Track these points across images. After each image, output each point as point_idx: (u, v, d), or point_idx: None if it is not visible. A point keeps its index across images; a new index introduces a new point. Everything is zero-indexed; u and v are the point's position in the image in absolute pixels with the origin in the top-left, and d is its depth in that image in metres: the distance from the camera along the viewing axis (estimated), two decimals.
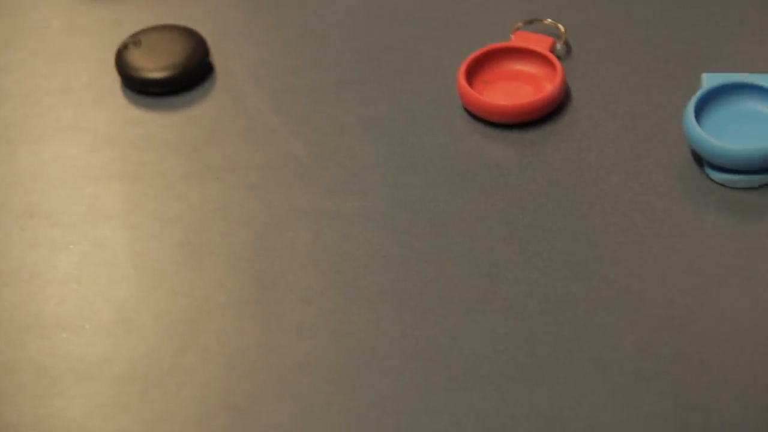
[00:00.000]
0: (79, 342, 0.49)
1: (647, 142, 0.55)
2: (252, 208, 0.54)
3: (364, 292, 0.50)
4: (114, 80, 0.59)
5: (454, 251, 0.51)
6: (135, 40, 0.59)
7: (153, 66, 0.58)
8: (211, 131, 0.57)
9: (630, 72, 0.58)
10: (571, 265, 0.51)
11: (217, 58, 0.60)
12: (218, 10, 0.63)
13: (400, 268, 0.51)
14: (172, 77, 0.58)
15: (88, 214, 0.54)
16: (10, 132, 0.57)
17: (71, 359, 0.49)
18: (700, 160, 0.54)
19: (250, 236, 0.53)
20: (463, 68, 0.57)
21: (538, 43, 0.58)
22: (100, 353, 0.49)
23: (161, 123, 0.58)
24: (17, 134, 0.57)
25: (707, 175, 0.53)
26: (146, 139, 0.57)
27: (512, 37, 0.59)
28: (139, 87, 0.58)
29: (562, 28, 0.60)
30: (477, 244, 0.52)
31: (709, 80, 0.55)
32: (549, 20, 0.60)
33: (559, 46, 0.59)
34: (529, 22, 0.60)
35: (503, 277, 0.50)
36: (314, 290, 0.51)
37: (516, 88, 0.58)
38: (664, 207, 0.52)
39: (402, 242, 0.52)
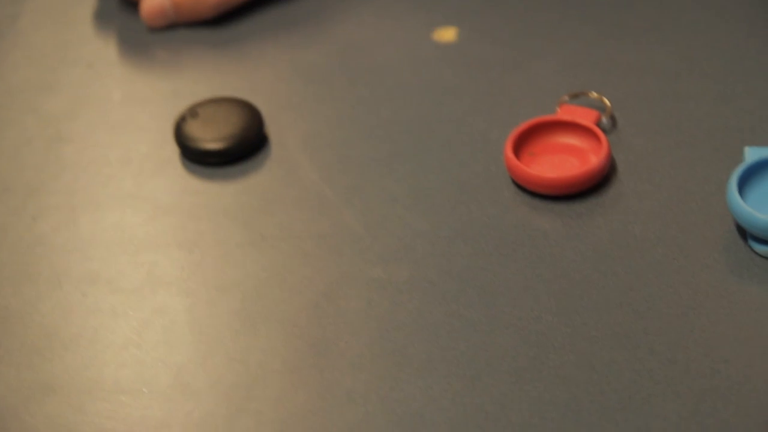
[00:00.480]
0: (137, 406, 0.51)
1: (691, 215, 0.56)
2: (305, 276, 0.55)
3: (414, 360, 0.52)
4: (173, 151, 0.61)
5: (501, 320, 0.53)
6: (192, 111, 0.61)
7: (210, 137, 0.60)
8: (265, 201, 0.59)
9: (674, 145, 0.60)
10: (617, 335, 0.52)
11: (271, 129, 0.62)
12: (273, 83, 0.65)
13: (448, 337, 0.52)
14: (228, 148, 0.60)
15: (147, 280, 0.55)
16: (72, 200, 0.59)
17: (130, 422, 0.50)
18: (743, 232, 0.55)
19: (303, 304, 0.54)
20: (510, 141, 0.59)
21: (584, 116, 0.60)
22: (157, 417, 0.51)
23: (218, 192, 0.59)
24: (79, 202, 0.59)
25: (751, 248, 0.54)
26: (203, 208, 0.59)
27: (558, 110, 0.61)
28: (197, 157, 0.60)
29: (607, 101, 0.61)
30: (524, 314, 0.53)
31: (752, 154, 0.57)
32: (594, 94, 0.62)
33: (604, 119, 0.61)
34: (575, 96, 0.62)
35: (550, 346, 0.52)
36: (365, 357, 0.52)
37: (562, 161, 0.59)
38: (709, 279, 0.54)
39: (451, 311, 0.53)
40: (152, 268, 0.56)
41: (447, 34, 0.67)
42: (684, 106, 0.61)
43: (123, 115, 0.64)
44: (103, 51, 0.68)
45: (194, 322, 0.54)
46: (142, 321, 0.54)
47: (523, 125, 0.60)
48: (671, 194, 0.57)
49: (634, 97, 0.62)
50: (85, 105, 0.64)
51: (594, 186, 0.58)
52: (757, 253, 0.54)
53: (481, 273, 0.55)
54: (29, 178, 0.61)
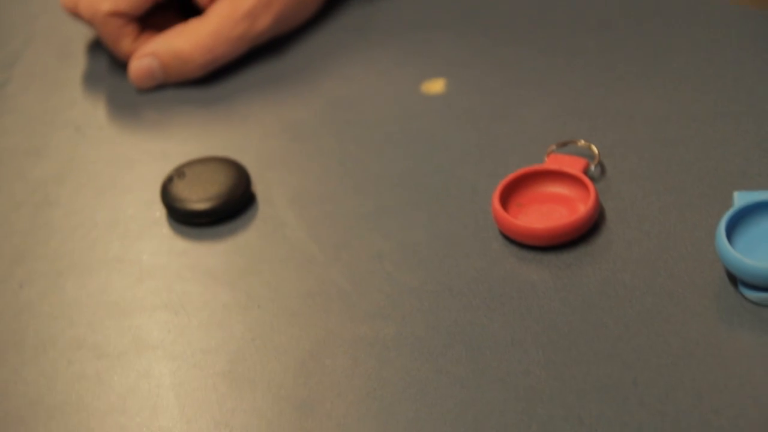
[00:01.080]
0: None
1: (681, 262, 0.56)
2: (292, 336, 0.55)
3: (401, 419, 0.51)
4: (160, 211, 0.61)
5: (490, 375, 0.52)
6: (179, 172, 0.61)
7: (196, 197, 0.60)
8: (253, 260, 0.58)
9: (663, 191, 0.59)
10: (606, 387, 0.51)
11: (259, 187, 0.62)
12: (260, 140, 0.65)
13: (435, 394, 0.52)
14: (215, 208, 0.60)
15: (133, 345, 0.55)
16: (58, 264, 0.59)
17: None
18: (734, 278, 0.54)
19: (289, 364, 0.54)
20: (497, 192, 0.58)
21: (572, 165, 0.59)
22: None
23: (205, 252, 0.59)
24: (66, 266, 0.59)
25: (742, 294, 0.54)
26: (190, 269, 0.58)
27: (546, 159, 0.60)
28: (184, 218, 0.60)
29: (595, 149, 0.61)
30: (513, 368, 0.52)
31: (741, 198, 0.56)
32: (582, 142, 0.61)
33: (593, 167, 0.60)
34: (563, 144, 0.61)
35: (539, 400, 0.51)
36: (352, 417, 0.51)
37: (550, 210, 0.59)
38: (699, 327, 0.53)
39: (438, 367, 0.53)
40: (138, 332, 0.56)
41: (435, 86, 0.67)
42: (673, 151, 0.61)
43: (110, 177, 0.64)
44: (91, 113, 0.68)
45: (180, 385, 0.53)
46: (127, 387, 0.53)
47: (511, 176, 0.59)
48: (660, 241, 0.57)
49: (622, 143, 0.62)
50: (73, 168, 0.64)
51: (582, 235, 0.57)
52: (747, 299, 0.53)
53: (469, 327, 0.54)
54: (16, 243, 0.61)
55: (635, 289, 0.55)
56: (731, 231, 0.55)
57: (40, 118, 0.68)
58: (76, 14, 0.68)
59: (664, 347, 0.52)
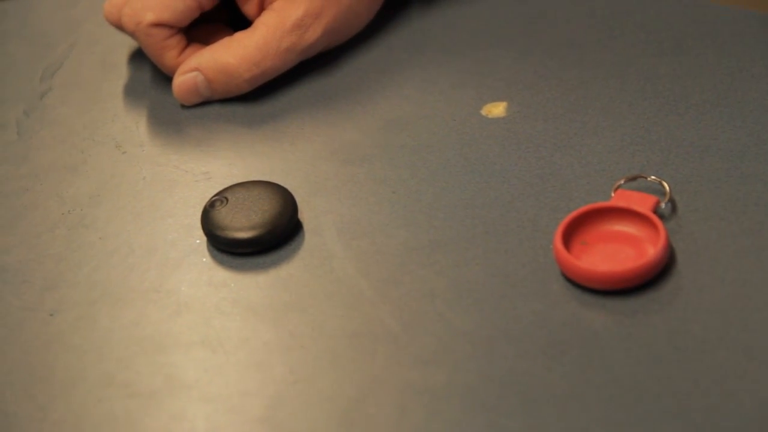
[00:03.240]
0: None
1: (757, 313, 0.51)
2: (335, 380, 0.51)
3: None
4: (201, 238, 0.58)
5: (545, 431, 0.48)
6: (222, 197, 0.58)
7: (239, 225, 0.57)
8: (297, 295, 0.55)
9: (739, 233, 0.55)
10: None
11: (305, 214, 0.58)
12: (309, 163, 0.61)
13: None
14: (258, 237, 0.56)
15: (166, 384, 0.52)
16: (92, 293, 0.56)
17: None
18: None
19: (332, 411, 0.50)
20: (560, 231, 0.54)
21: (641, 202, 0.55)
22: None
23: (246, 285, 0.56)
24: (99, 295, 0.56)
25: None
26: (230, 303, 0.55)
27: (613, 195, 0.56)
28: (225, 246, 0.57)
29: (666, 185, 0.57)
30: (571, 425, 0.48)
31: None
32: (653, 177, 0.57)
33: (663, 204, 0.56)
34: (632, 179, 0.57)
35: None
36: None
37: (616, 251, 0.55)
38: None
39: (491, 421, 0.49)
40: (172, 370, 0.52)
41: (496, 110, 0.63)
42: (751, 189, 0.57)
43: (150, 199, 0.60)
44: (132, 129, 0.64)
45: (215, 430, 0.50)
46: (158, 430, 0.50)
47: (575, 213, 0.55)
48: (735, 288, 0.53)
49: (696, 178, 0.58)
50: (111, 188, 0.61)
51: (650, 280, 0.53)
52: None
53: (525, 377, 0.50)
54: (49, 268, 0.57)
55: (706, 341, 0.51)
56: None
57: (79, 133, 0.65)
58: (119, 26, 0.65)
59: (737, 408, 0.48)
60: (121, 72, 0.68)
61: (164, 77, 0.67)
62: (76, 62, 0.70)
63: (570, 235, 0.55)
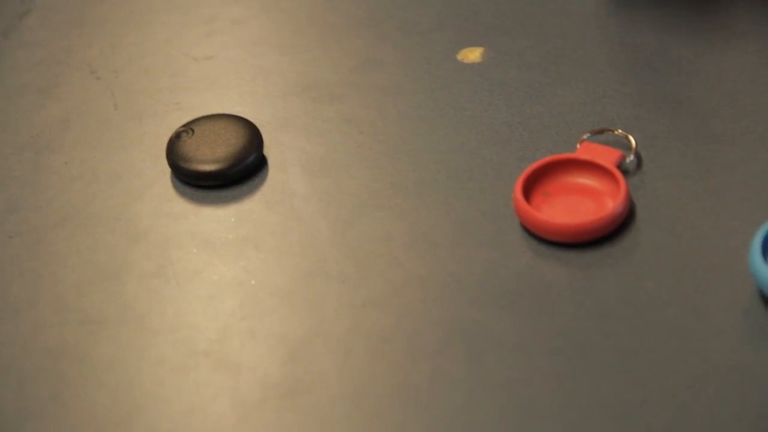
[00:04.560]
0: None
1: (711, 273, 0.51)
2: (284, 319, 0.51)
3: (388, 419, 0.47)
4: (165, 169, 0.58)
5: (487, 380, 0.48)
6: (188, 129, 0.58)
7: (203, 157, 0.57)
8: (255, 230, 0.55)
9: (702, 192, 0.54)
10: (613, 406, 0.47)
11: (271, 150, 0.58)
12: (279, 100, 0.61)
13: (428, 395, 0.48)
14: (221, 171, 0.56)
15: (117, 312, 0.52)
16: (52, 218, 0.56)
17: None
18: (766, 298, 0.50)
19: (277, 348, 0.50)
20: (520, 181, 0.54)
21: (605, 155, 0.55)
22: None
23: (206, 218, 0.56)
24: (59, 221, 0.56)
25: None
26: (189, 235, 0.55)
27: (578, 147, 0.56)
28: (188, 179, 0.57)
29: (632, 140, 0.56)
30: (514, 375, 0.48)
31: None
32: (620, 131, 0.57)
33: (628, 159, 0.56)
34: (599, 132, 0.57)
35: (537, 414, 0.47)
36: (337, 412, 0.47)
37: (577, 203, 0.54)
38: (721, 348, 0.48)
39: (434, 366, 0.49)
40: (125, 298, 0.52)
41: (472, 55, 0.62)
42: (718, 149, 0.56)
43: (119, 126, 0.60)
44: (108, 55, 0.64)
45: (161, 361, 0.50)
46: (107, 358, 0.50)
47: (537, 163, 0.55)
48: (692, 248, 0.52)
49: (664, 135, 0.57)
50: (81, 113, 0.61)
51: (608, 234, 0.53)
52: None
53: (473, 325, 0.50)
54: (13, 191, 0.57)
55: (657, 298, 0.51)
56: None
57: (55, 56, 0.64)
58: None
59: (680, 367, 0.48)
60: None
61: (146, 5, 0.66)
62: None
63: (532, 185, 0.55)
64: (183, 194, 0.57)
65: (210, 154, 0.57)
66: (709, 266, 0.52)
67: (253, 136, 0.58)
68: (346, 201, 0.56)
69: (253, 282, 0.53)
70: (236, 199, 0.57)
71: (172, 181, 0.57)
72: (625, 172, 0.55)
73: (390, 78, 0.62)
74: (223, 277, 0.53)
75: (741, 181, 0.55)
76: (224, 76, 0.63)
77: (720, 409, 0.47)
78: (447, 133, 0.59)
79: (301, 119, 0.60)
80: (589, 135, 0.57)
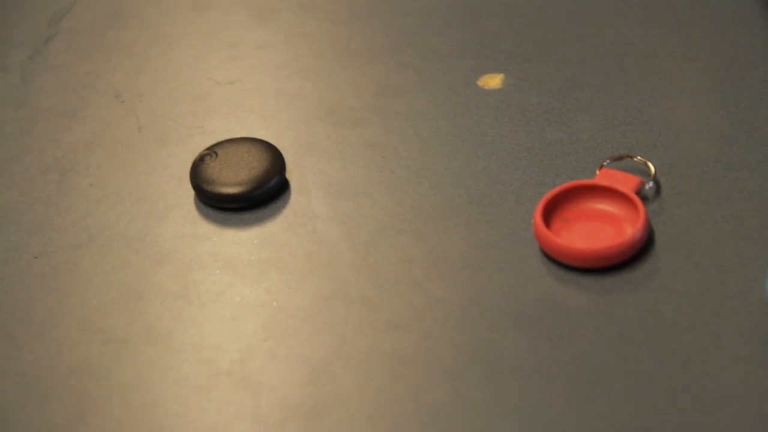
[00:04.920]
0: None
1: (730, 300, 0.52)
2: (306, 340, 0.52)
3: None
4: (188, 191, 0.59)
5: (507, 404, 0.49)
6: (211, 152, 0.58)
7: (226, 180, 0.57)
8: (277, 252, 0.55)
9: (721, 219, 0.55)
10: (631, 430, 0.48)
11: (293, 174, 0.59)
12: (302, 124, 0.62)
13: (448, 418, 0.48)
14: (244, 193, 0.57)
15: (141, 332, 0.52)
16: (77, 239, 0.57)
17: None
18: None
19: (299, 370, 0.51)
20: (540, 206, 0.55)
21: (624, 182, 0.56)
22: None
23: (229, 240, 0.56)
24: (84, 241, 0.57)
25: None
26: (212, 257, 0.56)
27: (598, 173, 0.57)
28: (212, 201, 0.57)
29: (651, 166, 0.57)
30: (534, 399, 0.49)
31: None
32: (639, 157, 0.57)
33: (647, 186, 0.56)
34: (618, 159, 0.57)
35: None
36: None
37: (596, 229, 0.55)
38: (740, 374, 0.49)
39: (454, 389, 0.49)
40: (148, 319, 0.53)
41: (493, 81, 0.63)
42: (737, 176, 0.57)
43: (143, 149, 0.61)
44: (133, 79, 0.65)
45: (183, 380, 0.51)
46: (129, 376, 0.51)
47: (557, 189, 0.55)
48: (710, 274, 0.53)
49: (683, 162, 0.58)
50: (107, 136, 0.62)
51: (627, 260, 0.54)
52: None
53: (493, 349, 0.51)
54: (38, 211, 0.58)
55: (676, 325, 0.51)
56: None
57: (80, 80, 0.65)
58: None
59: (699, 393, 0.49)
60: (127, 22, 0.69)
61: (171, 30, 0.67)
62: (84, 9, 0.70)
63: (551, 210, 0.55)
64: (206, 216, 0.58)
65: (233, 177, 0.58)
66: (727, 293, 0.52)
67: (276, 160, 0.58)
68: (368, 224, 0.57)
69: (275, 303, 0.53)
70: (259, 221, 0.57)
71: (196, 204, 0.58)
72: (644, 198, 0.56)
73: (411, 103, 0.62)
74: (245, 299, 0.54)
75: (759, 207, 0.55)
76: (247, 100, 0.63)
77: None
78: (468, 158, 0.59)
79: (323, 143, 0.61)
80: (608, 161, 0.57)
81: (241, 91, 0.64)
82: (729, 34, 0.64)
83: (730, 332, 0.50)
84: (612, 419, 0.48)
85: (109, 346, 0.52)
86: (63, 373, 0.51)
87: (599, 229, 0.55)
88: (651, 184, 0.56)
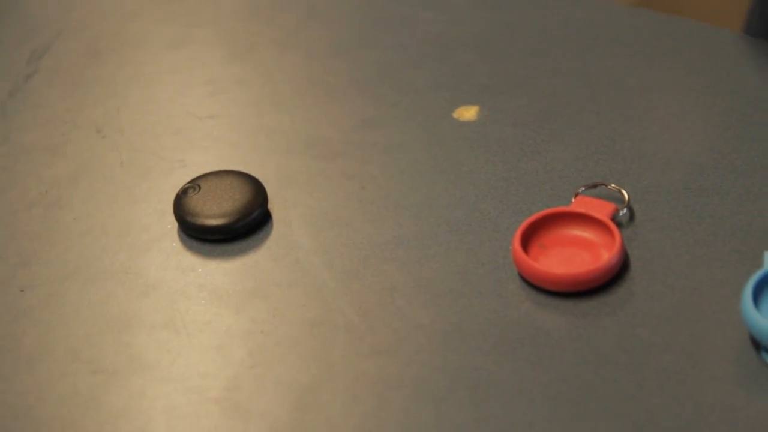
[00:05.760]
0: None
1: (704, 321, 0.53)
2: (292, 367, 0.53)
3: None
4: (172, 224, 0.60)
5: (491, 425, 0.50)
6: (194, 185, 0.60)
7: (210, 212, 0.58)
8: (261, 282, 0.57)
9: (693, 243, 0.56)
10: None
11: (275, 205, 0.60)
12: (282, 157, 0.63)
13: None
14: (227, 225, 0.58)
15: (129, 362, 0.53)
16: (63, 272, 0.58)
17: None
18: (758, 344, 0.52)
19: (287, 396, 0.52)
20: (519, 233, 0.56)
21: (599, 208, 0.57)
22: None
23: (213, 270, 0.57)
24: (70, 273, 0.57)
25: (764, 360, 0.51)
26: (197, 287, 0.57)
27: (573, 200, 0.58)
28: (195, 233, 0.58)
29: (625, 194, 0.58)
30: (516, 420, 0.50)
31: None
32: (613, 185, 0.59)
33: (621, 212, 0.58)
34: (593, 186, 0.59)
35: None
36: None
37: (573, 255, 0.56)
38: (716, 392, 0.50)
39: (439, 412, 0.51)
40: (136, 350, 0.54)
41: (468, 113, 0.65)
42: (707, 202, 0.58)
43: (126, 183, 0.62)
44: (113, 115, 0.66)
45: (173, 409, 0.51)
46: (119, 406, 0.52)
47: (534, 216, 0.57)
48: (685, 297, 0.54)
49: (655, 189, 0.59)
50: (89, 171, 0.63)
51: (604, 284, 0.55)
52: None
53: (476, 372, 0.52)
54: (23, 245, 0.59)
55: (653, 345, 0.52)
56: (759, 293, 0.52)
57: (61, 116, 0.66)
58: None
59: (678, 411, 0.50)
60: (106, 59, 0.70)
61: (150, 67, 0.69)
62: (63, 47, 0.71)
63: (529, 237, 0.57)
64: (190, 248, 0.59)
65: (216, 209, 0.59)
66: (701, 315, 0.53)
67: (258, 192, 0.59)
68: (350, 254, 0.58)
69: (261, 332, 0.54)
70: (242, 252, 0.58)
71: (179, 236, 0.59)
72: (619, 224, 0.57)
73: (389, 136, 0.64)
74: (231, 328, 0.55)
75: (730, 232, 0.57)
76: (227, 134, 0.65)
77: None
78: (446, 188, 0.60)
79: (303, 175, 0.62)
80: (583, 189, 0.59)
81: (221, 126, 0.65)
82: (698, 65, 0.66)
83: (706, 352, 0.52)
84: None
85: (97, 376, 0.53)
86: (53, 404, 0.52)
87: (576, 254, 0.56)
88: (625, 210, 0.58)
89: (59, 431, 0.51)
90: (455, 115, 0.65)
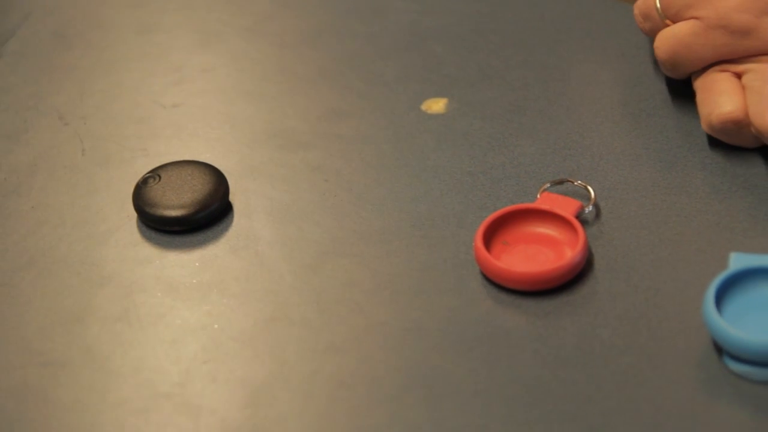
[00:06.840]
0: None
1: (666, 322, 0.52)
2: (246, 363, 0.52)
3: None
4: (131, 214, 0.59)
5: (446, 426, 0.49)
6: (154, 175, 0.58)
7: (169, 203, 0.57)
8: (219, 275, 0.55)
9: (658, 242, 0.55)
10: None
11: (237, 197, 0.59)
12: (246, 147, 0.62)
13: None
14: (187, 216, 0.57)
15: (81, 355, 0.52)
16: (18, 261, 0.57)
17: None
18: (719, 347, 0.51)
19: (239, 393, 0.51)
20: (481, 230, 0.55)
21: (564, 206, 0.56)
22: None
23: (171, 262, 0.56)
24: (25, 264, 0.56)
25: (726, 365, 0.50)
26: (153, 279, 0.56)
27: (539, 197, 0.57)
28: (154, 224, 0.57)
29: (591, 191, 0.57)
30: (470, 421, 0.49)
31: (736, 261, 0.52)
32: (579, 182, 0.58)
33: (587, 210, 0.57)
34: (559, 183, 0.58)
35: None
36: None
37: (536, 252, 0.55)
38: (676, 396, 0.49)
39: (392, 411, 0.50)
40: (88, 341, 0.53)
41: (436, 105, 0.64)
42: (675, 200, 0.57)
43: (86, 172, 0.61)
44: (77, 102, 0.65)
45: (123, 403, 0.50)
46: (69, 399, 0.51)
47: (497, 213, 0.56)
48: (648, 297, 0.53)
49: (623, 186, 0.58)
50: (49, 158, 0.62)
51: (566, 283, 0.54)
52: (731, 372, 0.50)
53: (432, 371, 0.51)
54: None
55: (613, 347, 0.51)
56: (722, 295, 0.51)
57: (24, 102, 0.65)
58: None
59: (636, 414, 0.49)
60: (72, 45, 0.69)
61: (115, 53, 0.68)
62: (30, 31, 0.70)
63: (492, 234, 0.56)
64: (148, 239, 0.58)
65: (176, 200, 0.58)
66: (663, 316, 0.53)
67: (219, 183, 0.58)
68: (310, 248, 0.57)
69: (216, 326, 0.53)
70: (201, 244, 0.57)
71: (138, 226, 0.58)
72: (583, 222, 0.56)
73: (355, 127, 0.63)
74: (186, 321, 0.54)
75: (696, 232, 0.56)
76: (191, 123, 0.64)
77: None
78: (410, 182, 0.59)
79: (267, 167, 0.61)
80: (549, 185, 0.58)
81: (186, 115, 0.64)
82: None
83: (667, 354, 0.51)
84: None
85: (47, 368, 0.52)
86: (1, 396, 0.51)
87: (539, 252, 0.55)
88: (591, 208, 0.57)
89: (6, 425, 0.50)
90: (423, 107, 0.64)
